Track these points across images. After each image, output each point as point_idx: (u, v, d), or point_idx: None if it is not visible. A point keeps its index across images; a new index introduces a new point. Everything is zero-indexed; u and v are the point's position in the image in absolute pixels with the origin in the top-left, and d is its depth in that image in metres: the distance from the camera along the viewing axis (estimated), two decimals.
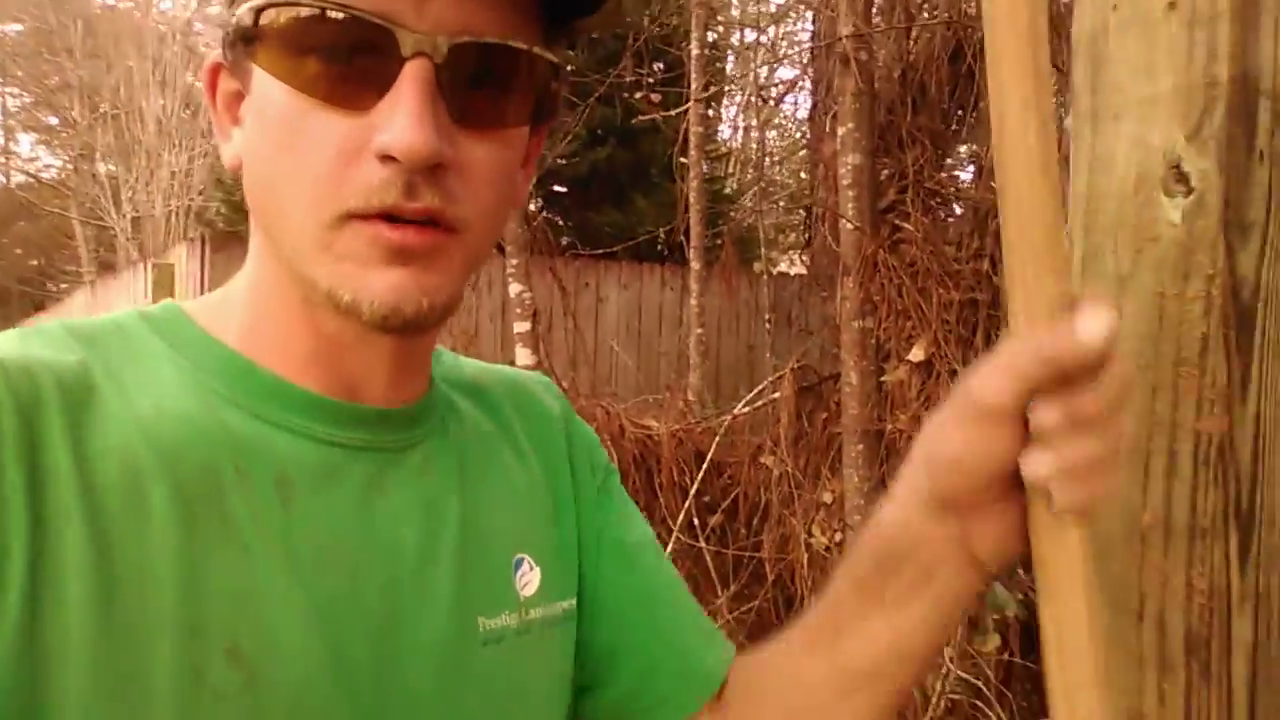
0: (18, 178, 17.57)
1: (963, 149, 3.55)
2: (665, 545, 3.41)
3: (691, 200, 4.34)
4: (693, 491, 3.47)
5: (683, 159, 4.39)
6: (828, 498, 3.55)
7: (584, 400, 3.89)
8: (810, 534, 3.53)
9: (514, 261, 3.76)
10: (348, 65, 0.45)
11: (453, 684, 0.51)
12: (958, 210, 3.17)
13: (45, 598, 0.40)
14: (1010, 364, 0.45)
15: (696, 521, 3.61)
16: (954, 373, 2.78)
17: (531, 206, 6.49)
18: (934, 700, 2.35)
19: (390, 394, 0.53)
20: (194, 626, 0.43)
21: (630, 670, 0.62)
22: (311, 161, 0.45)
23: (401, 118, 0.44)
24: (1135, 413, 0.59)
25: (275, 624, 0.45)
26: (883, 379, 3.03)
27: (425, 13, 0.44)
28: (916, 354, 2.86)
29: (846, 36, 2.75)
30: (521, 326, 3.76)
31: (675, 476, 3.73)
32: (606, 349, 5.51)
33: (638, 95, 5.32)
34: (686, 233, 4.47)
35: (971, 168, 3.47)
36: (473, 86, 0.46)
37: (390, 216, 0.45)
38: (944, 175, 3.15)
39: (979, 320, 2.82)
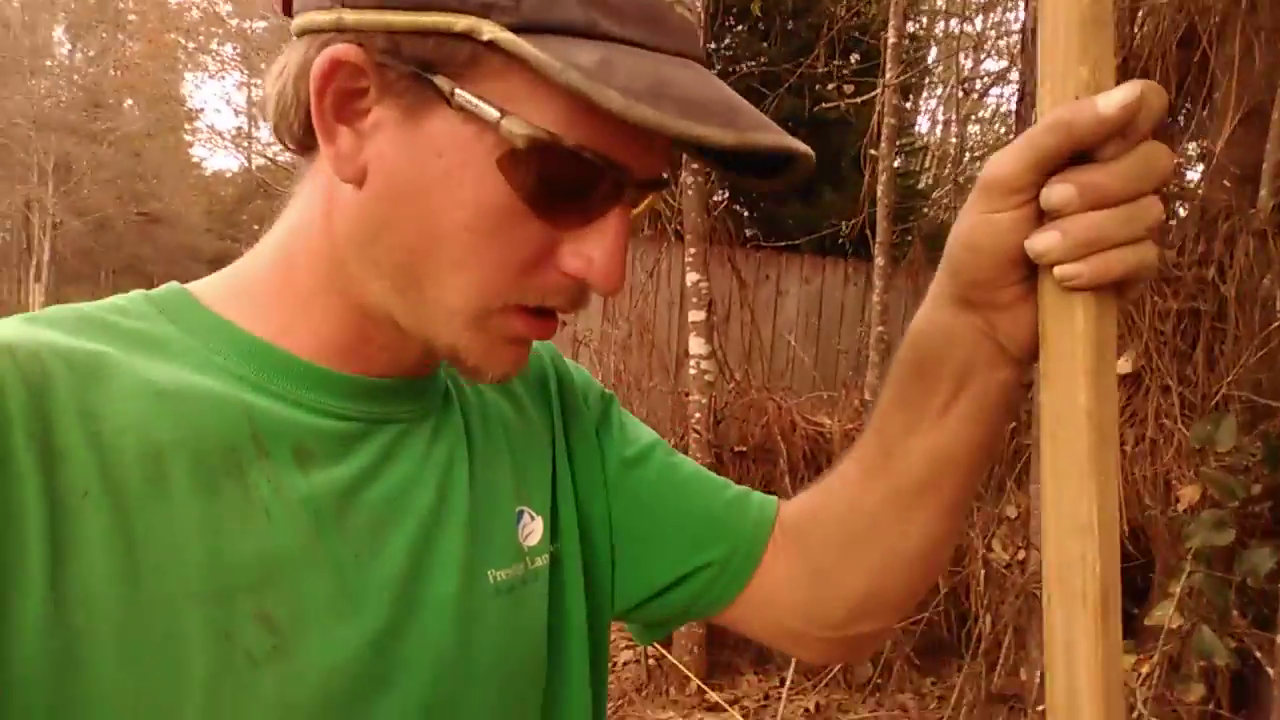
0: (258, 160, 19.54)
1: (1190, 145, 3.21)
2: None
3: (880, 194, 4.18)
4: None
5: (873, 151, 4.23)
6: (1011, 512, 3.33)
7: (755, 393, 3.85)
8: (989, 548, 3.33)
9: (692, 250, 3.76)
10: (576, 194, 0.48)
11: (469, 635, 0.54)
12: (1181, 211, 2.87)
13: (69, 574, 0.41)
14: (1025, 137, 0.44)
15: None
16: (1166, 389, 2.52)
17: (715, 196, 6.48)
18: None
19: (405, 370, 0.55)
20: (222, 593, 0.44)
21: (677, 558, 0.65)
22: (502, 255, 0.48)
23: (609, 257, 0.48)
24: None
25: (301, 587, 0.47)
26: None
27: (648, 166, 0.49)
28: (1123, 365, 2.62)
29: None
30: (696, 315, 3.76)
31: None
32: (783, 342, 5.42)
33: (829, 87, 5.18)
34: (873, 227, 4.31)
35: (1200, 166, 3.13)
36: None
37: (548, 312, 0.51)
38: None
39: (1200, 333, 2.54)
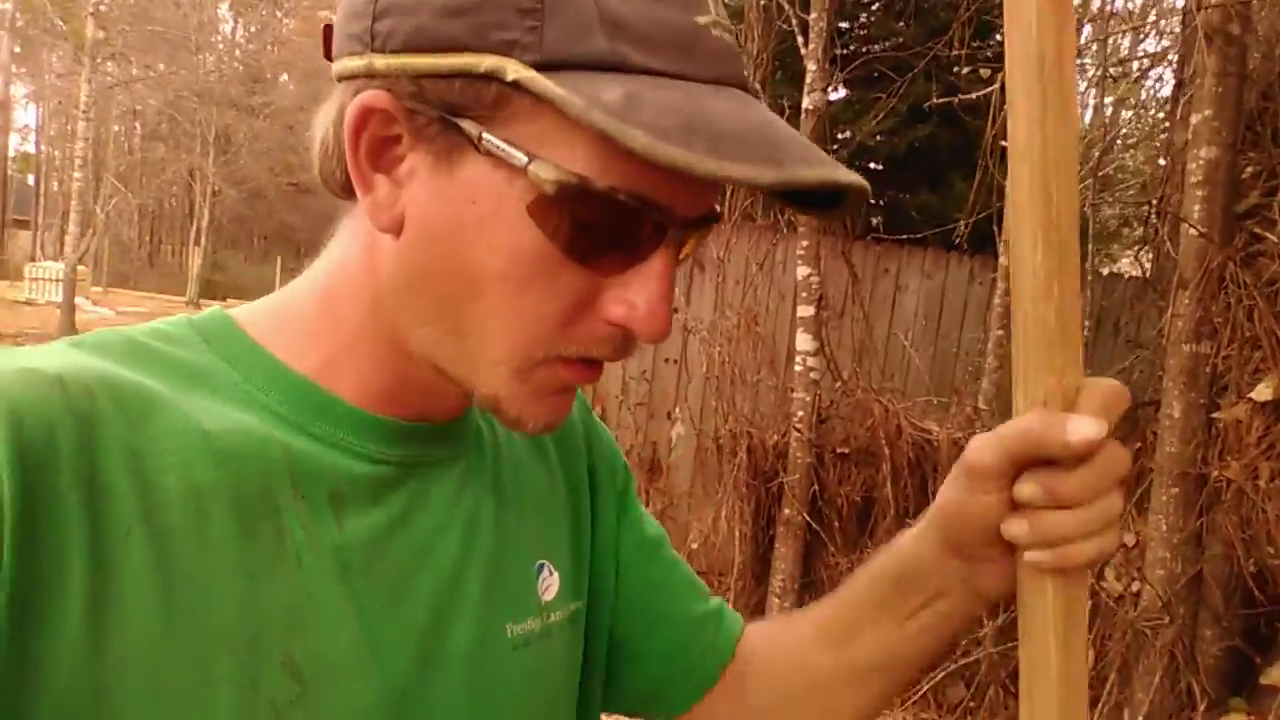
0: None
1: None
2: None
3: (1008, 187, 3.95)
4: None
5: (1003, 141, 3.99)
6: (1129, 540, 3.12)
7: (862, 393, 3.73)
8: (1102, 577, 3.12)
9: (804, 244, 3.66)
10: (613, 238, 0.45)
11: (486, 689, 0.53)
12: None
13: (108, 613, 0.41)
14: (1000, 436, 0.50)
15: None
16: None
17: None
18: None
19: (440, 413, 0.55)
20: (252, 640, 0.44)
21: (657, 654, 0.68)
22: (541, 305, 0.46)
23: (653, 304, 0.46)
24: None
25: (326, 636, 0.47)
26: (1214, 415, 2.57)
27: (688, 204, 0.46)
28: (1263, 392, 2.39)
29: (1212, 5, 2.31)
30: (805, 311, 3.67)
31: None
32: (898, 341, 5.23)
33: (965, 71, 4.92)
34: (1000, 221, 4.08)
35: None
36: None
37: (591, 361, 0.49)
38: None
39: None
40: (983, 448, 0.50)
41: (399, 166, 0.47)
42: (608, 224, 0.45)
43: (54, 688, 0.39)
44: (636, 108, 0.40)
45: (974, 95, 3.96)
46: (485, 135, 0.43)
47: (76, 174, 13.69)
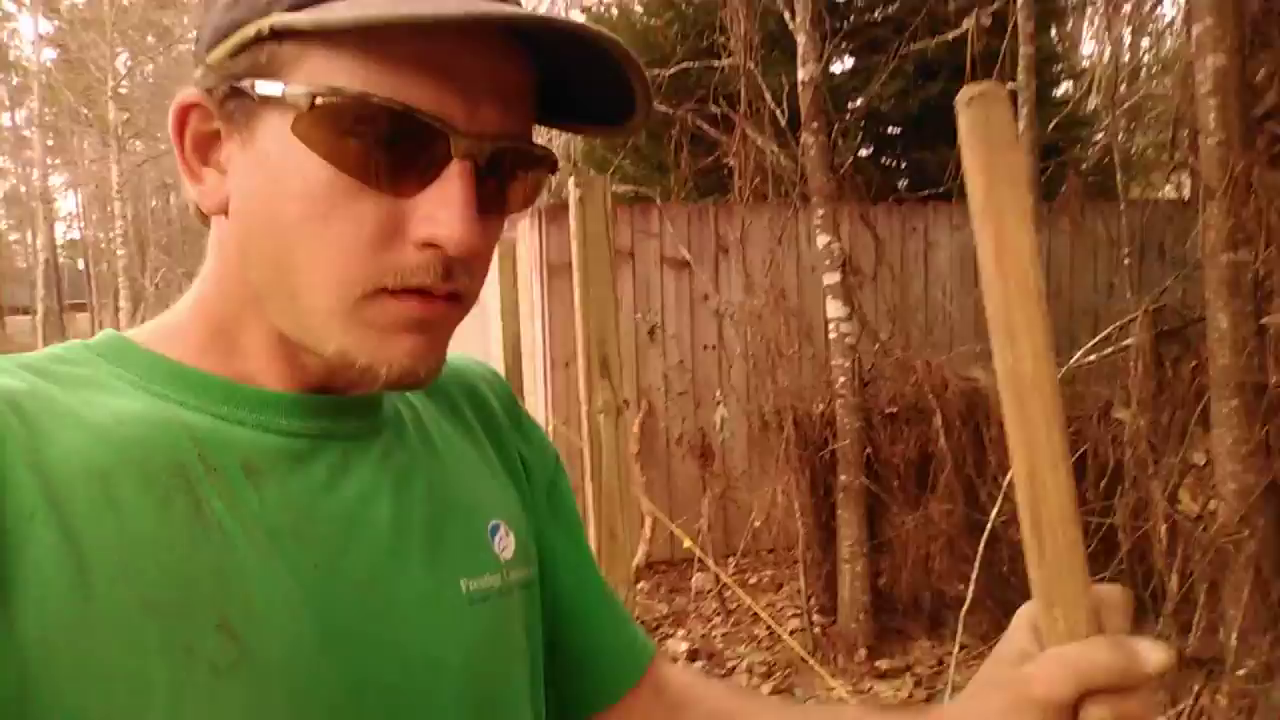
0: None
1: None
2: (995, 506, 3.16)
3: (1021, 128, 3.91)
4: None
5: (1010, 84, 3.96)
6: (1199, 459, 3.05)
7: (900, 352, 3.71)
8: (1175, 499, 3.07)
9: (820, 213, 3.66)
10: (397, 155, 0.47)
11: (444, 643, 0.53)
12: None
13: (19, 598, 0.41)
14: (1074, 671, 0.48)
15: None
16: None
17: (863, 152, 6.26)
18: None
19: (348, 387, 0.55)
20: (180, 607, 0.44)
21: (579, 646, 0.69)
22: (345, 237, 0.48)
23: (453, 215, 0.48)
24: None
25: (261, 597, 0.47)
26: (1263, 321, 2.52)
27: (475, 118, 0.48)
28: None
29: None
30: (831, 278, 3.67)
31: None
32: (936, 297, 5.19)
33: (964, 22, 4.87)
34: None
35: None
36: (498, 181, 0.51)
37: (420, 292, 0.49)
38: None
39: None
40: (1053, 682, 0.48)
41: (221, 155, 0.51)
42: (382, 138, 0.46)
43: None
44: (362, 6, 0.44)
45: (963, 28, 3.92)
46: (256, 82, 0.47)
47: (120, 252, 14.20)
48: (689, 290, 4.95)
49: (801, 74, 3.65)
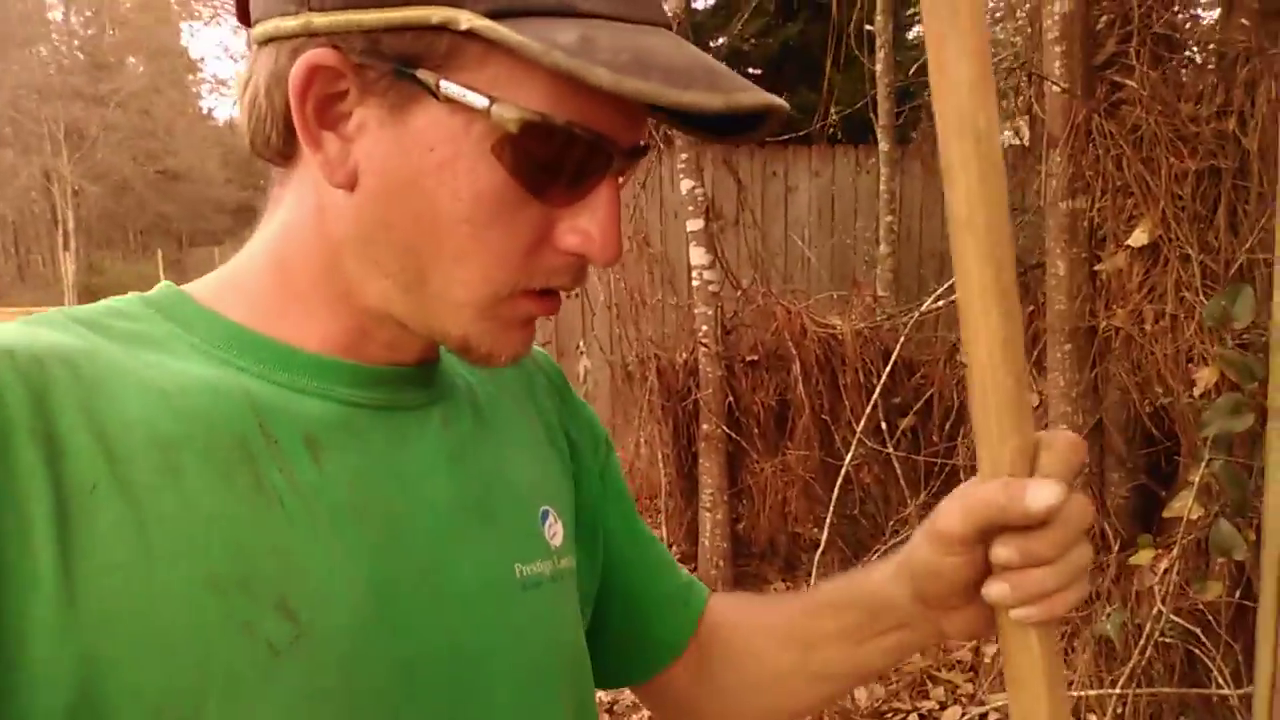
0: None
1: None
2: (849, 450, 3.22)
3: (879, 72, 3.92)
4: (878, 393, 3.23)
5: (868, 26, 3.96)
6: (1033, 400, 3.20)
7: (763, 299, 3.71)
8: None
9: (684, 156, 3.59)
10: (568, 172, 0.48)
11: (497, 628, 0.54)
12: (1198, 59, 2.62)
13: (81, 570, 0.40)
14: (967, 505, 0.51)
15: (884, 425, 3.39)
16: (1186, 258, 2.34)
17: None
18: (1142, 643, 2.05)
19: (408, 358, 0.56)
20: (240, 583, 0.44)
21: (627, 629, 0.71)
22: (502, 242, 0.49)
23: (608, 231, 0.50)
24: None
25: (320, 576, 0.46)
26: (1097, 268, 2.62)
27: (631, 136, 0.50)
28: (1139, 237, 2.43)
29: None
30: (694, 224, 3.61)
31: (861, 378, 3.50)
32: (795, 241, 5.23)
33: None
34: (875, 108, 4.07)
35: (1216, 8, 2.84)
36: None
37: (553, 291, 0.52)
38: (1179, 16, 2.58)
39: (1220, 193, 2.33)
40: (950, 517, 0.52)
41: (347, 122, 0.48)
42: (562, 158, 0.47)
43: (37, 655, 0.39)
44: (592, 48, 0.43)
45: None
46: (444, 82, 0.45)
47: None
48: None
49: (665, 9, 3.53)
